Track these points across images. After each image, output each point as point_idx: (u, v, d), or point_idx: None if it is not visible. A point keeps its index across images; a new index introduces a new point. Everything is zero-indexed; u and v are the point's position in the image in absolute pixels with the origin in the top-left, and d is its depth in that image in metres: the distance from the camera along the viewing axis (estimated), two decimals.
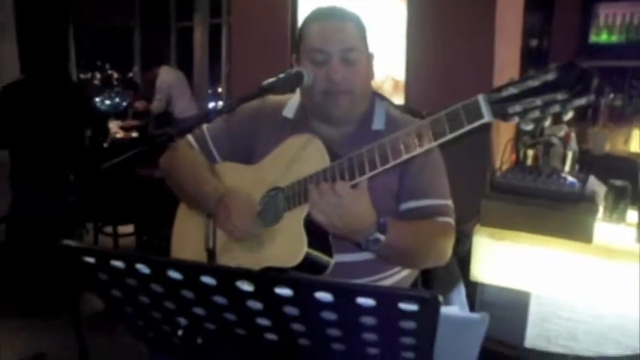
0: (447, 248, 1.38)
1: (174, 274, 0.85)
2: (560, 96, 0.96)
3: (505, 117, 1.02)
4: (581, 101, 0.96)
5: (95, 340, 2.51)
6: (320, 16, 1.37)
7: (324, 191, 1.14)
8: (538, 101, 0.98)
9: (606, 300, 1.94)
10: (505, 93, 1.01)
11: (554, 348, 2.10)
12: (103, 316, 2.80)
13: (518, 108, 1.00)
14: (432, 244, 1.35)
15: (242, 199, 1.34)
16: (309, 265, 1.24)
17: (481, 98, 1.03)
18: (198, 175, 1.46)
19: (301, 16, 2.74)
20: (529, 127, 1.02)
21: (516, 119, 1.02)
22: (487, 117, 1.03)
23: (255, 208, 1.34)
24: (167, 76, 5.45)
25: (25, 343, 2.87)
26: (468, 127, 1.05)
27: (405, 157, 1.12)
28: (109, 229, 4.15)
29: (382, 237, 1.20)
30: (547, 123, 1.00)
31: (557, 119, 1.00)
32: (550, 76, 0.97)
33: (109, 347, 2.71)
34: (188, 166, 1.49)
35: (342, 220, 1.15)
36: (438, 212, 1.37)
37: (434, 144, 1.10)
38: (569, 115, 0.98)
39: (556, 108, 0.97)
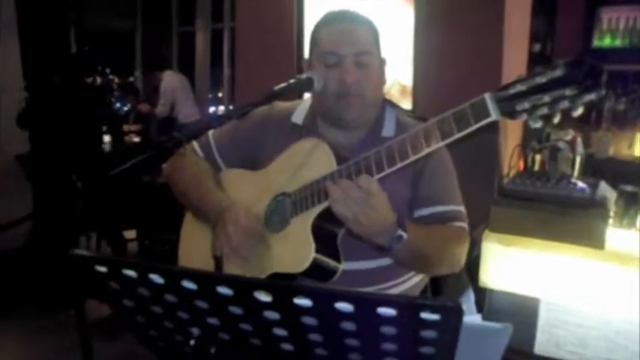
0: (462, 254, 1.37)
1: (188, 284, 0.84)
2: (568, 91, 0.95)
3: (513, 115, 1.01)
4: (591, 96, 0.94)
5: (98, 347, 2.49)
6: (333, 19, 1.36)
7: (348, 187, 1.10)
8: (546, 97, 0.97)
9: (616, 306, 1.93)
10: (512, 90, 1.00)
11: (563, 354, 2.08)
12: (106, 322, 2.78)
13: (526, 105, 0.99)
14: (447, 247, 1.34)
15: (241, 214, 1.32)
16: (317, 270, 1.23)
17: (488, 96, 1.02)
18: (202, 185, 1.45)
19: (307, 20, 2.73)
20: (538, 124, 1.00)
21: (524, 116, 1.00)
22: (494, 115, 1.02)
23: (256, 222, 1.32)
24: (171, 80, 5.47)
25: (28, 350, 2.86)
26: (475, 126, 1.04)
27: (412, 158, 1.11)
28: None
29: (405, 234, 1.17)
30: (556, 120, 0.98)
31: (565, 118, 0.98)
32: (558, 72, 0.96)
33: (113, 354, 2.69)
34: (192, 175, 1.48)
35: (367, 217, 1.11)
36: (452, 218, 1.36)
37: (441, 144, 1.08)
38: (579, 112, 0.96)
39: (565, 104, 0.96)
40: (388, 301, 0.76)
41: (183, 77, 5.70)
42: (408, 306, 0.76)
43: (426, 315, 0.74)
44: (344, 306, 0.76)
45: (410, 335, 0.79)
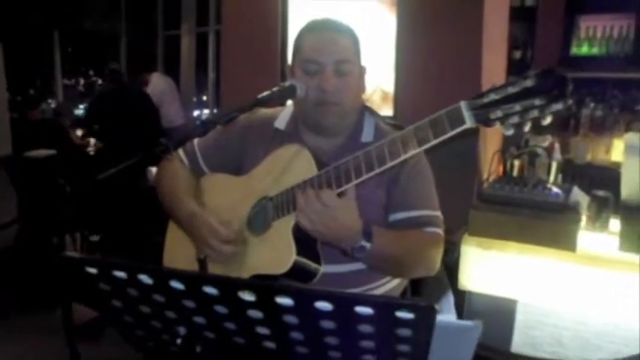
0: (436, 258, 1.40)
1: (176, 285, 0.87)
2: (538, 101, 1.00)
3: (487, 122, 1.06)
4: (558, 106, 0.99)
5: (84, 351, 2.49)
6: (315, 27, 1.39)
7: (310, 198, 1.17)
8: (517, 107, 1.02)
9: (590, 307, 1.99)
10: (486, 99, 1.05)
11: (539, 354, 2.13)
12: (91, 326, 2.78)
13: (499, 113, 1.03)
14: (420, 253, 1.37)
15: (207, 224, 1.35)
16: (298, 272, 1.26)
17: (463, 105, 1.07)
18: (175, 192, 1.48)
19: (291, 25, 2.76)
20: (509, 132, 1.05)
21: (497, 124, 1.05)
22: (469, 123, 1.06)
23: (227, 230, 1.35)
24: (158, 82, 5.43)
25: (13, 352, 2.84)
26: (451, 133, 1.08)
27: (390, 163, 1.15)
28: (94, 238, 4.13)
29: (368, 245, 1.22)
30: (526, 128, 1.03)
31: (537, 126, 1.03)
32: (529, 83, 1.01)
33: (96, 357, 2.69)
34: (170, 181, 1.52)
35: (327, 227, 1.18)
36: (427, 223, 1.39)
37: (418, 150, 1.12)
38: (547, 120, 1.01)
39: (535, 113, 1.01)
40: (365, 300, 0.81)
41: (170, 80, 5.68)
42: (384, 305, 0.80)
43: (401, 314, 0.79)
44: (324, 305, 0.80)
45: (386, 333, 0.83)
